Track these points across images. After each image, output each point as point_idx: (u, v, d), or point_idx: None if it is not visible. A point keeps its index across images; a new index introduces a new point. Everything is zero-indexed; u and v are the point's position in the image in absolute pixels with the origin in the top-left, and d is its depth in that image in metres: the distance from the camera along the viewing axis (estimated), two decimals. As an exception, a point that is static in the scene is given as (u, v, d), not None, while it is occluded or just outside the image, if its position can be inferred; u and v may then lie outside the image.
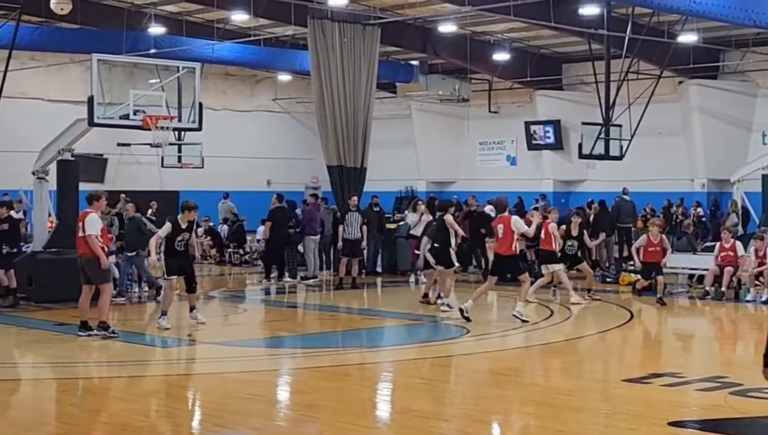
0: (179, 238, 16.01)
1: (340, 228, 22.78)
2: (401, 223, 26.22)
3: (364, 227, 22.64)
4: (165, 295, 16.39)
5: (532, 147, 41.45)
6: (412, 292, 22.06)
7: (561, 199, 39.31)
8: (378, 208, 25.02)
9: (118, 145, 36.08)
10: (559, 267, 19.55)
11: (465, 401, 11.18)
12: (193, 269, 16.59)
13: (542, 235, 19.48)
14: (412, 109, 43.77)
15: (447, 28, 34.22)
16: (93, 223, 14.99)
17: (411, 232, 23.07)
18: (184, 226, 16.09)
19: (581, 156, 31.19)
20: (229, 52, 36.35)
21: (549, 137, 40.67)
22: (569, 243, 20.03)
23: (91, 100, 18.74)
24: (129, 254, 19.90)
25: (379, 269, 25.05)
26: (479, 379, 12.64)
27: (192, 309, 16.40)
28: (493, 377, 12.88)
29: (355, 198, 23.25)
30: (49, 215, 20.34)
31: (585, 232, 20.89)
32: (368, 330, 17.12)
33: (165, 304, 16.16)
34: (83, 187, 20.68)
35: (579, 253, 20.42)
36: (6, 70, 21.79)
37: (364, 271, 23.60)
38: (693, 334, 17.82)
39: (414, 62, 40.72)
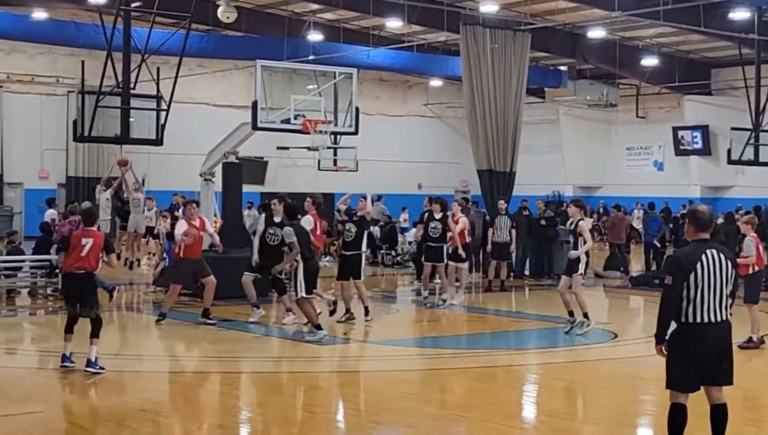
0: None
1: (490, 231, 22.68)
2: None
3: (513, 230, 22.46)
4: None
5: (679, 152, 40.59)
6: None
7: (708, 205, 38.32)
8: (527, 212, 24.86)
9: (278, 148, 36.80)
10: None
11: (613, 405, 11.02)
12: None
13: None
14: (560, 114, 43.38)
15: (596, 33, 33.84)
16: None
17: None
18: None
19: (730, 162, 30.41)
20: (384, 58, 36.68)
21: (697, 143, 39.79)
22: None
23: (255, 105, 19.05)
24: None
25: (526, 272, 24.87)
26: (627, 384, 12.44)
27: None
28: (641, 382, 12.66)
29: (502, 202, 23.12)
30: (215, 215, 20.76)
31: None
32: (516, 332, 17.01)
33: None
34: (245, 189, 21.19)
35: None
36: (176, 77, 22.36)
37: (512, 274, 23.51)
38: None
39: (563, 67, 40.39)
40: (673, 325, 7.70)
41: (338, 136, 28.77)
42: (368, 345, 14.88)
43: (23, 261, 19.79)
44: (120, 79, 21.70)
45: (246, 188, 21.65)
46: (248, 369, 12.96)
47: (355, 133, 20.68)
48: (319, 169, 35.68)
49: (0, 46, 35.85)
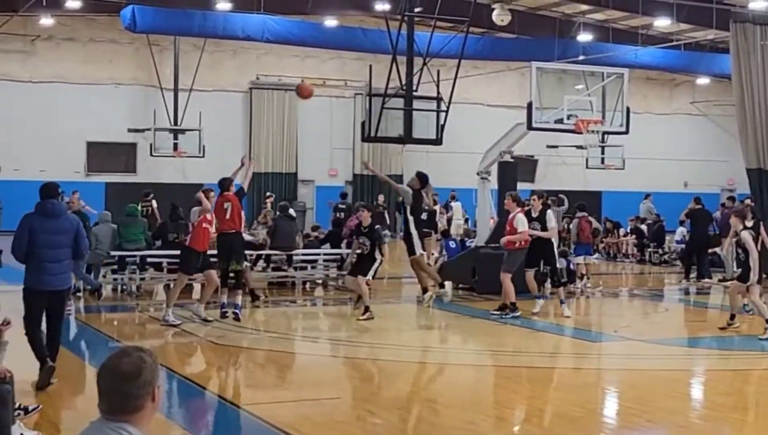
0: None
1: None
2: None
3: None
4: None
5: None
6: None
7: None
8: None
9: (547, 147, 36.57)
10: None
11: None
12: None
13: None
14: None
15: None
16: (521, 221, 15.86)
17: None
18: None
19: None
20: (651, 57, 35.77)
21: None
22: None
23: (530, 106, 18.92)
24: None
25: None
26: None
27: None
28: None
29: (748, 201, 21.97)
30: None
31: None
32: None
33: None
34: (519, 186, 21.10)
35: None
36: (455, 78, 22.62)
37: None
38: None
39: (837, 63, 37.93)
40: None
41: (605, 135, 28.36)
42: (638, 343, 14.52)
43: (318, 254, 20.60)
44: (403, 81, 22.15)
45: (520, 186, 21.55)
46: (523, 363, 12.96)
47: (626, 132, 20.27)
48: (587, 167, 35.20)
49: (295, 52, 37.46)
